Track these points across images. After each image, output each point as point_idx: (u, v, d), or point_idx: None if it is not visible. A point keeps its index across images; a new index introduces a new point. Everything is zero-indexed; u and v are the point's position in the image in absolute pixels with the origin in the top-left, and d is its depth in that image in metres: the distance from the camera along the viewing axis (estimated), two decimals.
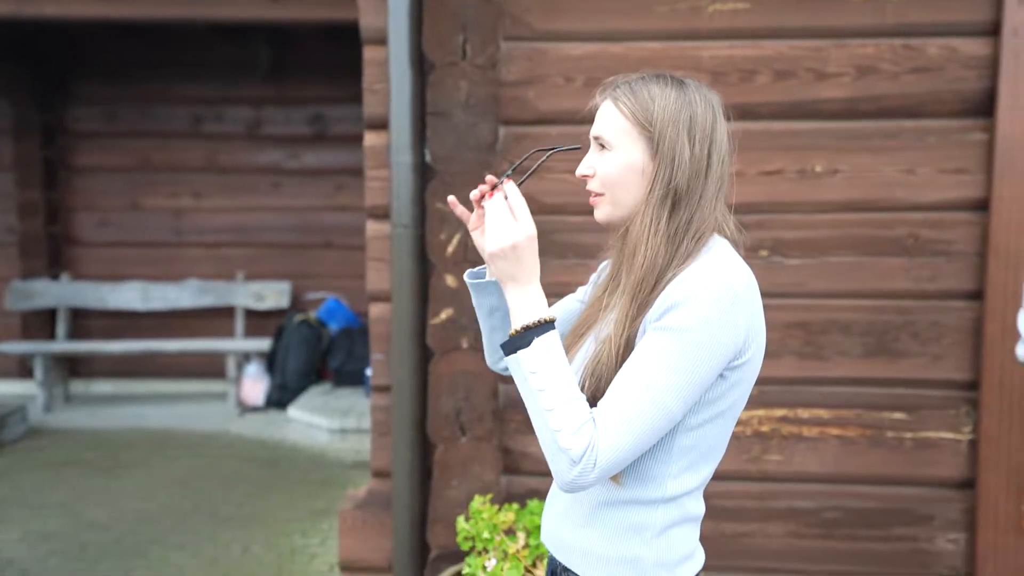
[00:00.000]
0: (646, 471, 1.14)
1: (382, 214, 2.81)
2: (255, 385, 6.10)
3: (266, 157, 6.53)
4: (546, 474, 2.69)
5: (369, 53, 2.79)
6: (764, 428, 2.74)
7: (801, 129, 2.68)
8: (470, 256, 2.57)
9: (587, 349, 1.22)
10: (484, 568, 1.89)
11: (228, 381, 6.21)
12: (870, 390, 2.72)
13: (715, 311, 1.08)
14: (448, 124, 2.55)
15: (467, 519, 2.12)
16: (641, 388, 1.07)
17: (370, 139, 2.83)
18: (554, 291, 2.68)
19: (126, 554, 3.61)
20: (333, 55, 5.97)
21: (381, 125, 2.78)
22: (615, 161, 1.19)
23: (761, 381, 2.68)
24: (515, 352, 1.11)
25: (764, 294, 2.72)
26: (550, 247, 2.70)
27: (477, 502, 2.08)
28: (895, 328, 2.70)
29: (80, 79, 6.48)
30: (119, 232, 6.57)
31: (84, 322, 6.55)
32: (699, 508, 1.23)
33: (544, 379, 1.08)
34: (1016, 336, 2.46)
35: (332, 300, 6.37)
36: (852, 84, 2.64)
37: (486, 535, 1.98)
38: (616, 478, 1.15)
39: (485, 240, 1.16)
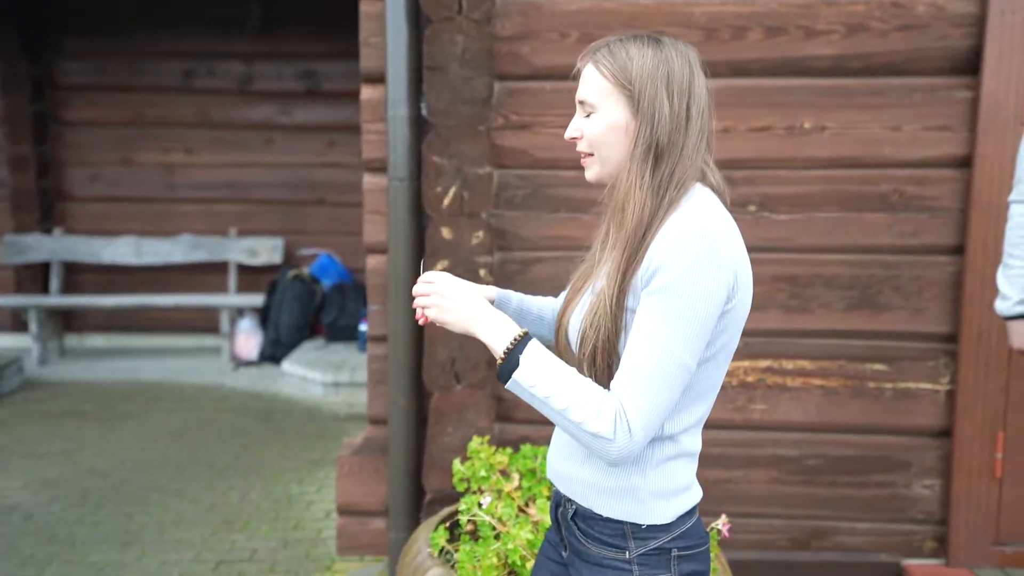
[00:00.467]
0: None
1: (379, 167, 2.86)
2: (248, 340, 6.17)
3: (258, 113, 6.52)
4: (537, 422, 2.78)
5: (365, 7, 2.81)
6: (750, 378, 2.82)
7: (790, 86, 2.72)
8: (466, 208, 2.62)
9: (585, 303, 1.27)
10: (479, 506, 1.97)
11: (222, 336, 6.27)
12: (853, 342, 2.80)
13: (699, 258, 1.13)
14: (444, 78, 2.58)
15: (463, 462, 2.20)
16: (651, 349, 1.12)
17: (366, 93, 2.86)
18: (547, 244, 2.75)
19: (126, 500, 3.69)
20: (324, 10, 5.94)
21: (378, 79, 2.82)
22: (599, 121, 1.24)
23: (747, 333, 2.78)
24: (511, 377, 1.17)
25: (752, 249, 2.79)
26: (544, 202, 2.75)
27: (475, 442, 2.16)
28: (878, 282, 2.77)
29: (69, 33, 6.42)
30: (111, 187, 6.56)
31: (77, 276, 6.58)
32: (695, 444, 1.28)
33: (547, 386, 1.14)
34: (995, 291, 2.54)
35: (325, 256, 6.41)
36: (841, 41, 2.68)
37: (483, 474, 2.06)
38: None
39: (438, 320, 1.28)
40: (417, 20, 2.62)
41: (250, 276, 6.54)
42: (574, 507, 1.29)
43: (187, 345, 6.55)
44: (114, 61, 6.44)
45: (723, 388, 2.82)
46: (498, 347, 1.19)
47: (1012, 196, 2.31)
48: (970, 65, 2.66)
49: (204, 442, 4.49)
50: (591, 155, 1.27)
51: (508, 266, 2.78)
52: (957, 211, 2.72)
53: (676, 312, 1.11)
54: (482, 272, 2.62)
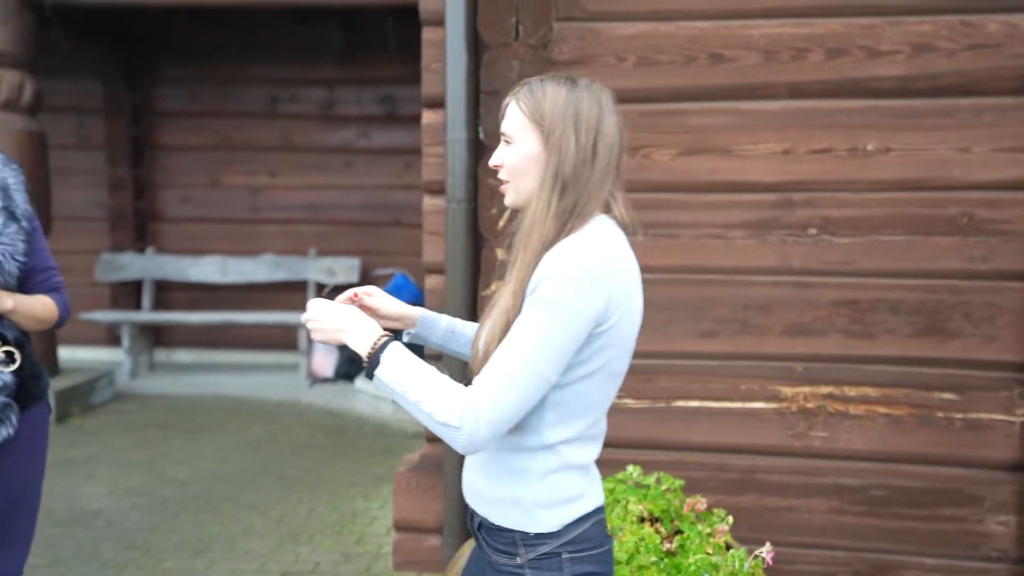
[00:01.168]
0: (523, 422, 1.29)
1: (438, 189, 2.93)
2: (325, 358, 6.34)
3: (338, 137, 6.73)
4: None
5: (427, 34, 2.89)
6: (810, 404, 2.76)
7: (853, 107, 2.67)
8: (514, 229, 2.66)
9: (492, 319, 1.38)
10: None
11: (300, 353, 6.46)
12: (920, 369, 2.71)
13: (572, 281, 1.22)
14: (500, 103, 2.63)
15: None
16: (512, 353, 1.23)
17: (427, 117, 2.94)
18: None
19: (201, 509, 3.84)
20: (403, 36, 6.10)
21: (438, 104, 2.89)
22: (516, 152, 1.35)
23: (803, 358, 2.72)
24: (373, 374, 1.28)
25: (811, 272, 2.75)
26: None
27: None
28: (947, 308, 2.68)
29: (165, 61, 6.78)
30: (200, 208, 6.87)
31: (167, 294, 6.89)
32: (584, 457, 1.34)
33: (403, 381, 1.25)
34: None
35: (400, 276, 6.55)
36: (906, 62, 2.62)
37: None
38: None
39: (317, 339, 1.41)
40: (476, 46, 2.68)
41: (328, 295, 6.74)
42: (479, 519, 1.40)
43: (267, 361, 6.78)
44: (205, 88, 6.76)
45: (782, 415, 2.76)
46: (362, 350, 1.31)
47: None
48: None
49: (278, 455, 4.63)
50: (508, 182, 1.38)
51: None
52: None
53: (542, 325, 1.22)
54: None
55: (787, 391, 2.77)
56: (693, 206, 2.77)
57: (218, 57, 6.67)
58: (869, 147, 2.67)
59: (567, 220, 1.29)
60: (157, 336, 6.89)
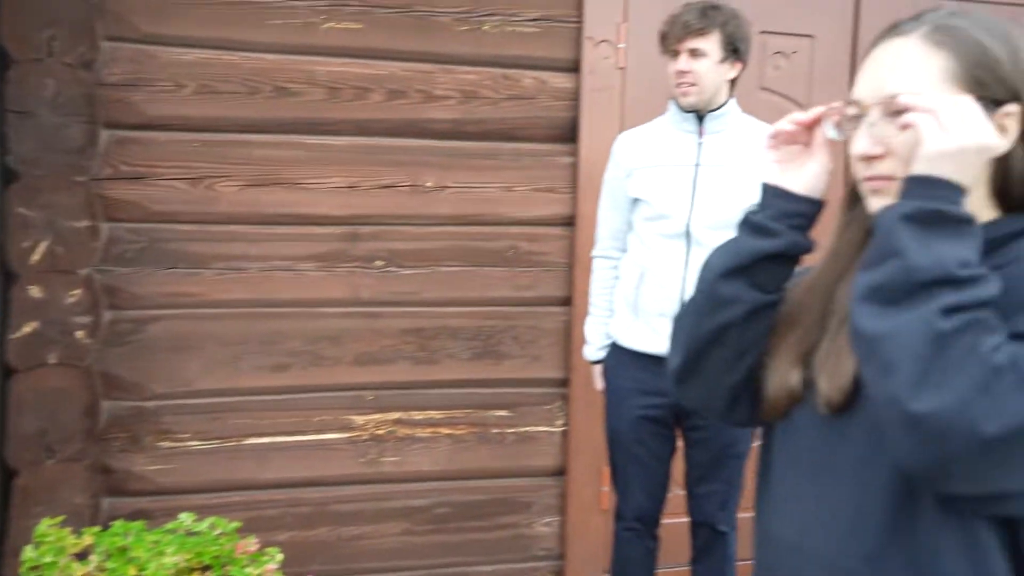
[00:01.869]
0: None
1: None
2: None
3: None
4: (156, 492, 2.61)
5: None
6: (380, 431, 2.85)
7: (413, 146, 2.83)
8: (59, 265, 2.41)
9: None
10: None
11: None
12: (478, 390, 2.93)
13: None
14: (32, 124, 2.37)
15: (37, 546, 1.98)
16: None
17: None
18: (165, 302, 2.60)
19: None
20: None
21: None
22: None
23: (376, 387, 2.80)
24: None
25: (379, 303, 2.84)
26: (160, 257, 2.61)
27: (44, 525, 1.95)
28: (499, 332, 2.94)
29: None
30: None
31: None
32: None
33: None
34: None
35: None
36: (457, 107, 2.84)
37: (49, 559, 1.86)
38: None
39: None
40: (3, 61, 2.39)
41: None
42: None
43: None
44: None
45: (354, 443, 2.83)
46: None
47: (594, 251, 2.56)
48: (571, 133, 2.93)
49: None
50: None
51: (120, 325, 2.59)
52: (565, 265, 2.96)
53: None
54: (80, 333, 2.42)
55: (359, 420, 2.83)
56: (262, 239, 2.72)
57: None
58: (429, 184, 2.85)
59: None
60: None
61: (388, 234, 2.83)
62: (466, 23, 2.81)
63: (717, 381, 1.08)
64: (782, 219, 1.04)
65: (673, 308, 2.25)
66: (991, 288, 0.84)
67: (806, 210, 1.04)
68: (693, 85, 2.21)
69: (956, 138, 0.88)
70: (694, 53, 2.20)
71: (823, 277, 1.07)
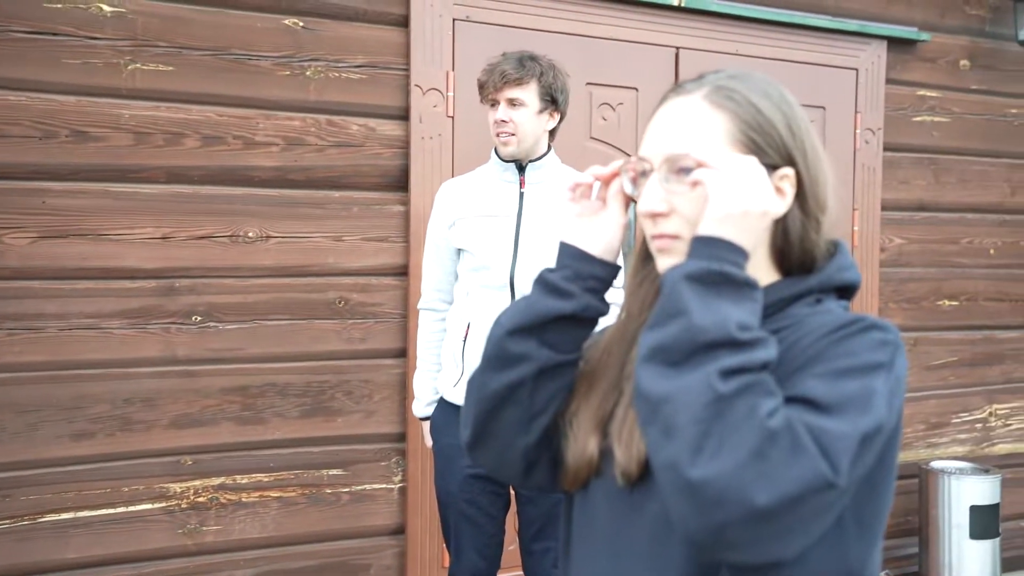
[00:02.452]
0: None
1: None
2: None
3: None
4: None
5: None
6: (201, 499, 2.65)
7: (233, 194, 2.69)
8: None
9: None
10: None
11: None
12: (309, 450, 2.79)
13: None
14: None
15: None
16: None
17: None
18: None
19: None
20: None
21: None
22: None
23: (195, 451, 2.61)
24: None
25: (197, 360, 2.66)
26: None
27: None
28: (331, 388, 2.81)
29: None
30: None
31: None
32: None
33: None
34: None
35: None
36: (281, 154, 2.73)
37: None
38: None
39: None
40: None
41: None
42: None
43: None
44: None
45: (171, 513, 2.61)
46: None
47: (420, 303, 2.49)
48: (402, 181, 2.87)
49: None
50: None
51: None
52: (399, 316, 2.88)
53: None
54: None
55: (176, 487, 2.62)
56: (61, 295, 2.50)
57: None
58: (250, 234, 2.71)
59: None
60: None
61: (206, 287, 2.66)
62: (287, 68, 2.71)
63: (509, 443, 1.03)
64: (577, 281, 1.00)
65: None
66: (770, 351, 0.84)
67: (601, 273, 1.02)
68: (512, 135, 2.20)
69: (741, 200, 0.88)
70: (512, 103, 2.20)
71: (619, 337, 1.04)
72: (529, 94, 2.20)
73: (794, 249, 0.96)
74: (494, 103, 2.22)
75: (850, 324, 0.89)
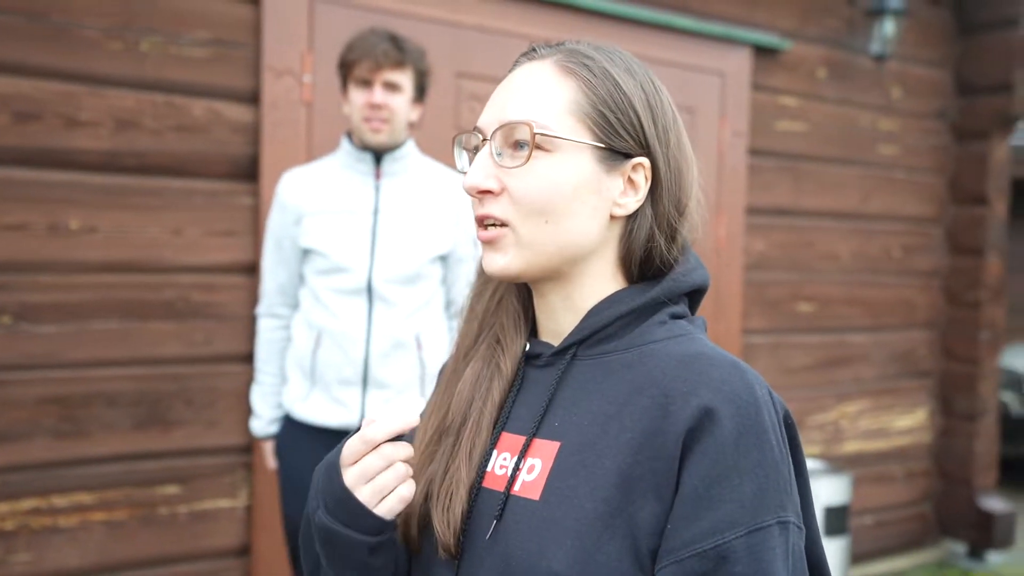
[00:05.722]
0: None
1: None
2: None
3: None
4: None
5: None
6: (9, 525, 2.33)
7: (53, 180, 2.38)
8: None
9: None
10: None
11: None
12: (142, 465, 2.51)
13: None
14: None
15: None
16: None
17: None
18: None
19: None
20: None
21: None
22: None
23: (3, 470, 2.29)
24: None
25: (10, 367, 2.33)
26: None
27: None
28: (168, 396, 2.54)
29: None
30: None
31: None
32: None
33: None
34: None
35: None
36: (110, 136, 2.43)
37: None
38: None
39: None
40: None
41: None
42: None
43: None
44: None
45: None
46: None
47: (259, 308, 2.27)
48: (251, 171, 2.63)
49: None
50: None
51: None
52: (247, 318, 2.64)
53: None
54: None
55: None
56: None
57: None
58: (73, 225, 2.40)
59: None
60: None
61: (18, 284, 2.35)
62: (119, 40, 2.42)
63: None
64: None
65: (357, 374, 2.02)
66: None
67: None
68: (385, 122, 2.01)
69: None
70: (390, 86, 2.01)
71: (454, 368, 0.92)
72: (407, 79, 2.02)
73: (635, 256, 0.84)
74: (366, 84, 2.01)
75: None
